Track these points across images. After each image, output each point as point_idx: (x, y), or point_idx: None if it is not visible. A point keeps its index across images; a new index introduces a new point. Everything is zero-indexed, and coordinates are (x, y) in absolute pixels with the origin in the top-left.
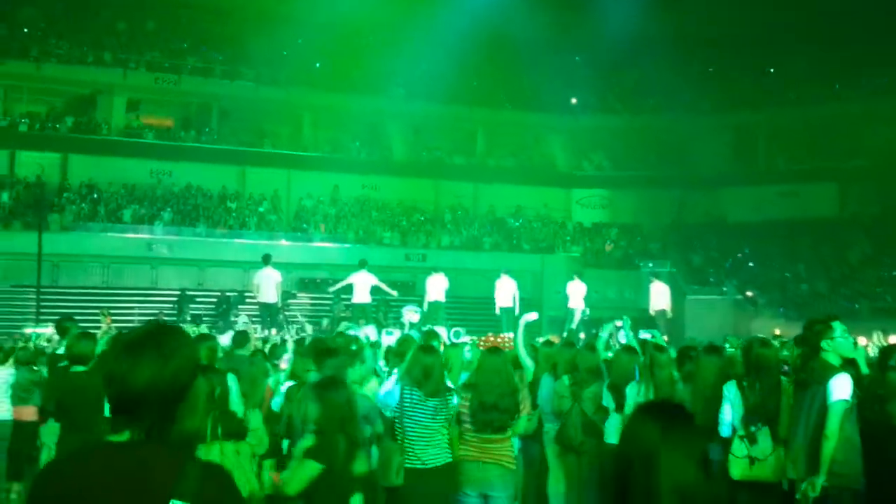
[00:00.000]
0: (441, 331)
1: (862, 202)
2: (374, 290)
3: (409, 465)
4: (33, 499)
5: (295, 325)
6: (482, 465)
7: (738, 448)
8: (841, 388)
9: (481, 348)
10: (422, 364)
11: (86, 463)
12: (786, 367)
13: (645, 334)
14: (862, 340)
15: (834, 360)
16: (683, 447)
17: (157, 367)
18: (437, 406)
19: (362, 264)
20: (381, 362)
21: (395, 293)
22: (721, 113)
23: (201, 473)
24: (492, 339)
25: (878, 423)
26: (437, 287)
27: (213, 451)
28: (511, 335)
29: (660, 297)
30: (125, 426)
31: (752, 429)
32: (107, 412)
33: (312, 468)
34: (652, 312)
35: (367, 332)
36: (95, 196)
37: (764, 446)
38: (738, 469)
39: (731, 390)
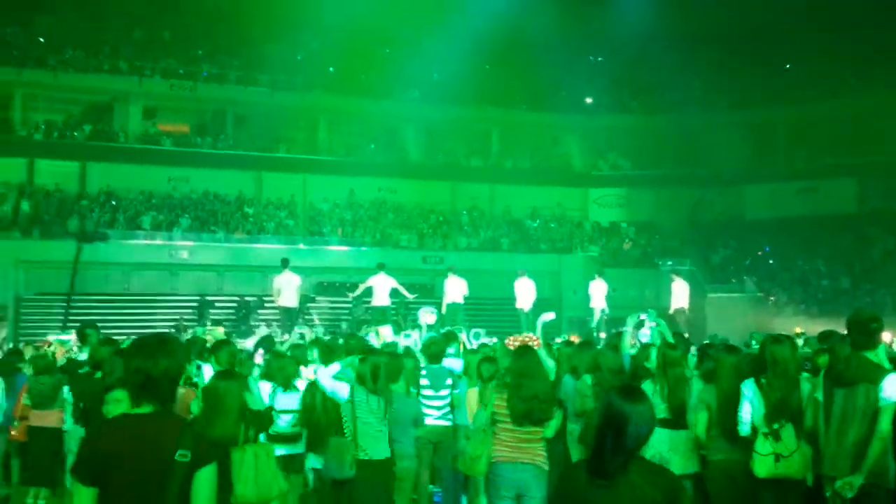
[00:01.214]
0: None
1: (882, 197)
2: (393, 293)
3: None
4: (87, 452)
5: (313, 328)
6: (519, 465)
7: (763, 446)
8: (894, 387)
9: (511, 348)
10: (370, 364)
11: (122, 427)
12: (807, 364)
13: (651, 323)
14: (886, 336)
15: (874, 358)
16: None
17: (168, 362)
18: (381, 403)
19: (381, 267)
20: None
21: (412, 296)
22: (738, 110)
23: (195, 434)
24: (521, 338)
25: None
26: (454, 289)
27: (247, 454)
28: (532, 335)
29: (681, 294)
30: (147, 402)
31: (776, 426)
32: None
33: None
34: (672, 311)
35: (384, 332)
36: (114, 203)
37: (788, 443)
38: (763, 467)
39: (749, 388)
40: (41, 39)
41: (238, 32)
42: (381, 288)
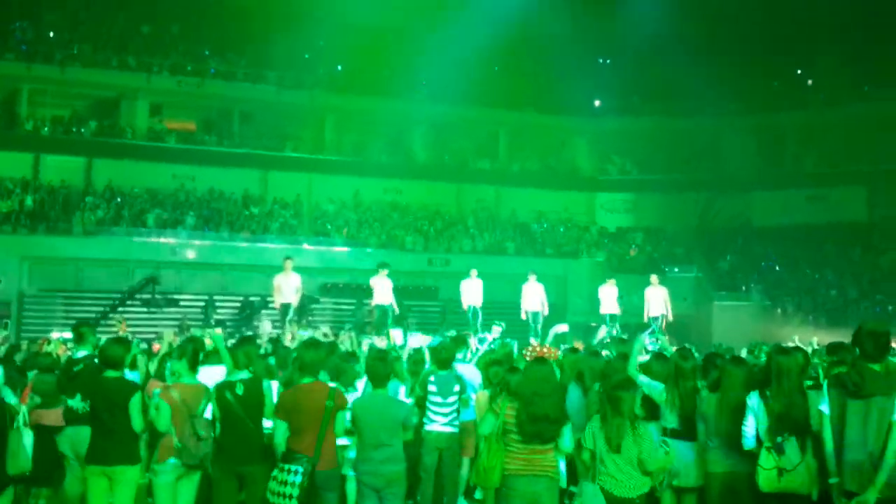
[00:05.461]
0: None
1: (892, 205)
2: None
3: None
4: (282, 402)
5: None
6: (533, 478)
7: (766, 460)
8: None
9: (527, 358)
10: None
11: (296, 389)
12: (813, 373)
13: (648, 339)
14: None
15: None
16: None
17: (309, 354)
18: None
19: (382, 266)
20: None
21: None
22: (748, 115)
23: (336, 392)
24: (537, 348)
25: None
26: (469, 291)
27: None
28: (548, 346)
29: (657, 301)
30: (306, 376)
31: (779, 439)
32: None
33: None
34: (648, 319)
35: (394, 335)
36: (119, 200)
37: (792, 456)
38: (767, 481)
39: (754, 400)
40: (50, 34)
41: (246, 29)
42: (381, 288)
